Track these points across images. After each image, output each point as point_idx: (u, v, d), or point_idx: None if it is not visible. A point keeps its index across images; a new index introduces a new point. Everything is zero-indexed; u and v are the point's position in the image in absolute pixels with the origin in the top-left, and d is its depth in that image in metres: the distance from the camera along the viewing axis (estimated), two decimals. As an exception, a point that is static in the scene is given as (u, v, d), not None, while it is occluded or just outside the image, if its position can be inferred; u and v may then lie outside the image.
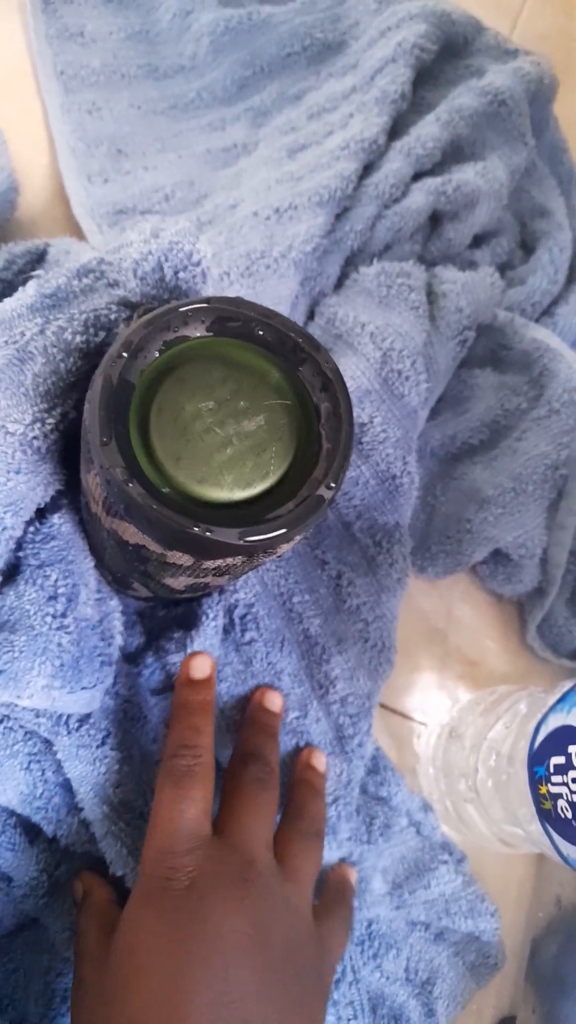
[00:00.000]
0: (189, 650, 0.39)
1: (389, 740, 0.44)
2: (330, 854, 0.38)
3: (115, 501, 0.23)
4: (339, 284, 0.44)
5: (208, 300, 0.24)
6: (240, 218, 0.42)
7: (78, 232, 0.47)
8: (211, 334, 0.25)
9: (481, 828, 0.40)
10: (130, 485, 0.22)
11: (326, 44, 0.51)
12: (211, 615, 0.40)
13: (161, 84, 0.53)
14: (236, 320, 0.25)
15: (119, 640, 0.35)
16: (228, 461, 0.24)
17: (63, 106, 0.50)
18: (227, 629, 0.41)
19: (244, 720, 0.38)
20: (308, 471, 0.24)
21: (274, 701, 0.38)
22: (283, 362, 0.25)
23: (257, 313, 0.25)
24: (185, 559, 0.25)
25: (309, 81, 0.51)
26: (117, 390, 0.23)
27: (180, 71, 0.53)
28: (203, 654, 0.37)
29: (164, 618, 0.41)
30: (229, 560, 0.24)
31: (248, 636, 0.40)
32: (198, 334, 0.25)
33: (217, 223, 0.43)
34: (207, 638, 0.39)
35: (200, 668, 0.36)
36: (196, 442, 0.24)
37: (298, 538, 0.24)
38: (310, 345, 0.25)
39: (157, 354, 0.24)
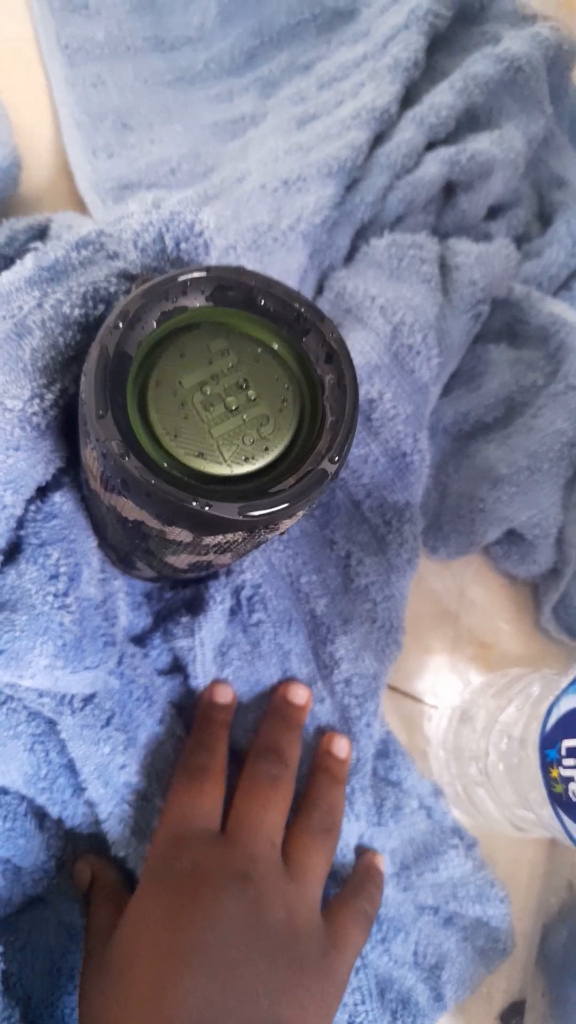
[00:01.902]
0: (197, 635, 0.38)
1: (400, 723, 0.43)
2: (349, 827, 0.38)
3: (112, 476, 0.23)
4: (349, 257, 0.42)
5: (208, 269, 0.24)
6: (247, 191, 0.41)
7: (82, 207, 0.46)
8: (211, 304, 0.24)
9: (492, 812, 0.39)
10: (127, 459, 0.21)
11: (337, 11, 0.50)
12: (218, 599, 0.39)
13: (167, 56, 0.51)
14: (237, 290, 0.24)
15: (123, 621, 0.35)
16: (228, 435, 0.23)
17: (67, 79, 0.49)
18: (234, 610, 0.41)
19: (266, 712, 0.38)
20: (311, 445, 0.23)
21: (299, 694, 0.38)
22: (286, 333, 0.24)
23: (259, 282, 0.24)
24: (185, 535, 0.24)
25: (319, 50, 0.50)
26: (114, 362, 0.22)
27: (187, 42, 0.52)
28: (226, 683, 0.38)
29: (171, 600, 0.41)
30: (230, 536, 0.24)
31: (255, 617, 0.40)
32: (197, 304, 0.24)
33: (224, 196, 0.42)
34: (214, 622, 0.39)
35: (223, 695, 0.38)
36: (195, 416, 0.23)
37: (300, 513, 0.24)
38: (314, 315, 0.24)
39: (155, 325, 0.23)
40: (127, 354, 0.23)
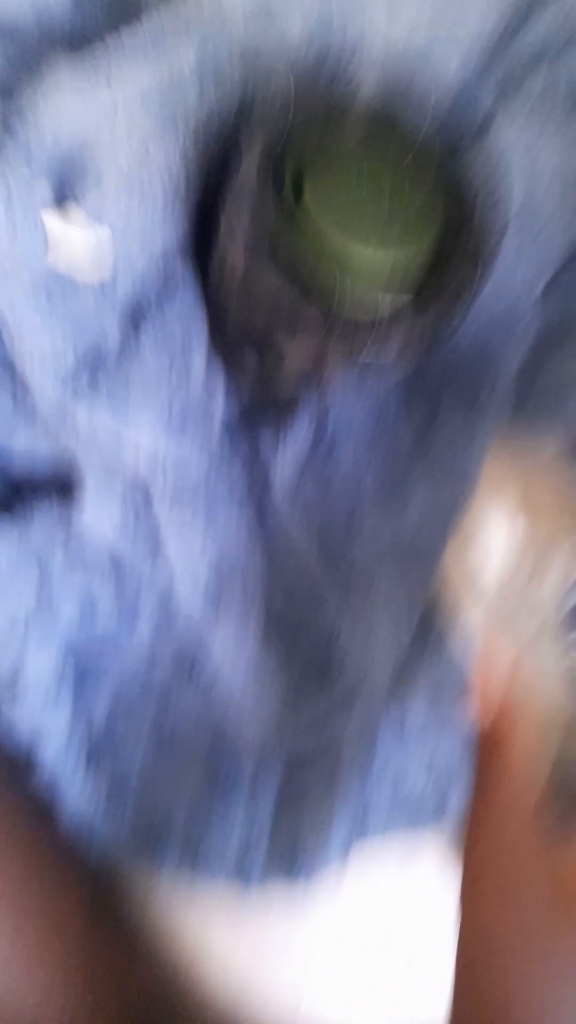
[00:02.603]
0: (281, 446, 0.40)
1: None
2: (389, 643, 0.40)
3: (262, 238, 0.23)
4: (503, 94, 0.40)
5: (380, 91, 0.23)
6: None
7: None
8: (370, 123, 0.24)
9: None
10: (283, 226, 0.22)
11: None
12: (307, 418, 0.41)
13: None
14: (402, 109, 0.24)
15: (220, 405, 0.37)
16: (377, 221, 0.23)
17: None
18: (318, 431, 0.42)
19: None
20: (455, 250, 0.24)
21: None
22: (450, 141, 0.24)
23: (425, 104, 0.24)
24: (318, 312, 0.25)
25: None
26: (277, 117, 0.23)
27: None
28: None
29: (260, 412, 0.42)
30: (361, 318, 0.24)
31: (339, 445, 0.41)
32: (366, 97, 0.24)
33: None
34: (300, 440, 0.40)
35: None
36: (348, 196, 0.23)
37: (433, 318, 0.24)
38: (473, 139, 0.24)
39: (320, 121, 0.24)
40: (291, 133, 0.23)
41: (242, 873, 0.40)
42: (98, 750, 0.40)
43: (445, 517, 0.41)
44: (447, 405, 0.41)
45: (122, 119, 0.28)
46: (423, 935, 0.42)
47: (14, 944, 0.31)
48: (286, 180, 0.23)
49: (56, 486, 0.39)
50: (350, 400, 0.42)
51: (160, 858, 0.40)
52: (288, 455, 0.40)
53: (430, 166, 0.24)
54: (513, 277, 0.38)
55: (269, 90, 0.27)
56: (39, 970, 0.31)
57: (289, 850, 0.41)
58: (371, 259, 0.24)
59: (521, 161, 0.37)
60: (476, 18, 0.37)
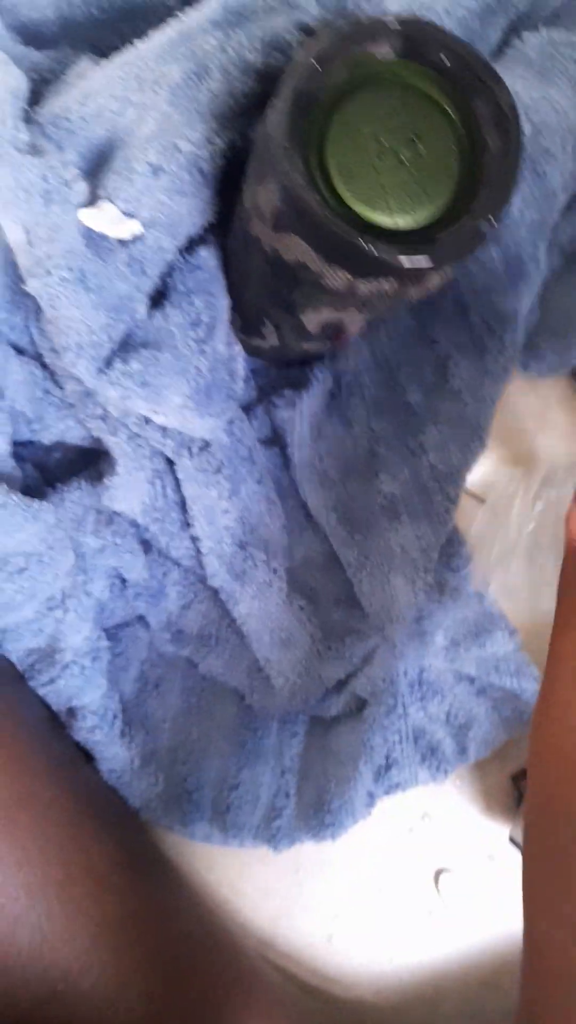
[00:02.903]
0: (298, 407, 0.42)
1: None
2: (408, 600, 0.43)
3: (288, 209, 0.25)
4: (499, 52, 0.42)
5: (402, 22, 0.25)
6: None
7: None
8: (395, 57, 0.26)
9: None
10: (307, 192, 0.24)
11: None
12: (320, 378, 0.43)
13: None
14: (423, 44, 0.25)
15: (241, 381, 0.38)
16: (396, 185, 0.25)
17: None
18: (333, 393, 0.44)
19: None
20: (469, 206, 0.26)
21: None
22: (460, 93, 0.26)
23: (446, 39, 0.25)
24: (341, 279, 0.27)
25: None
26: (302, 101, 0.24)
27: None
28: None
29: (276, 378, 0.44)
30: (383, 285, 0.26)
31: (352, 401, 0.43)
32: (382, 55, 0.25)
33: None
34: (314, 398, 0.42)
35: None
36: (369, 163, 0.25)
37: (450, 269, 0.26)
38: (491, 78, 0.25)
39: (345, 72, 0.25)
40: (315, 96, 0.25)
41: (270, 837, 0.42)
42: (130, 723, 0.42)
43: (458, 462, 0.43)
44: (458, 355, 0.43)
45: (151, 117, 0.29)
46: (450, 870, 0.45)
47: (60, 898, 0.32)
48: (309, 152, 0.25)
49: (85, 469, 0.40)
50: (362, 359, 0.44)
51: (191, 825, 0.42)
52: (304, 416, 0.42)
53: (447, 116, 0.26)
54: (522, 220, 0.39)
55: (290, 64, 0.29)
56: (84, 924, 0.32)
57: (315, 811, 0.42)
58: (392, 226, 0.25)
59: (525, 108, 0.39)
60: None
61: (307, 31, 0.29)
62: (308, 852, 0.44)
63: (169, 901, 0.39)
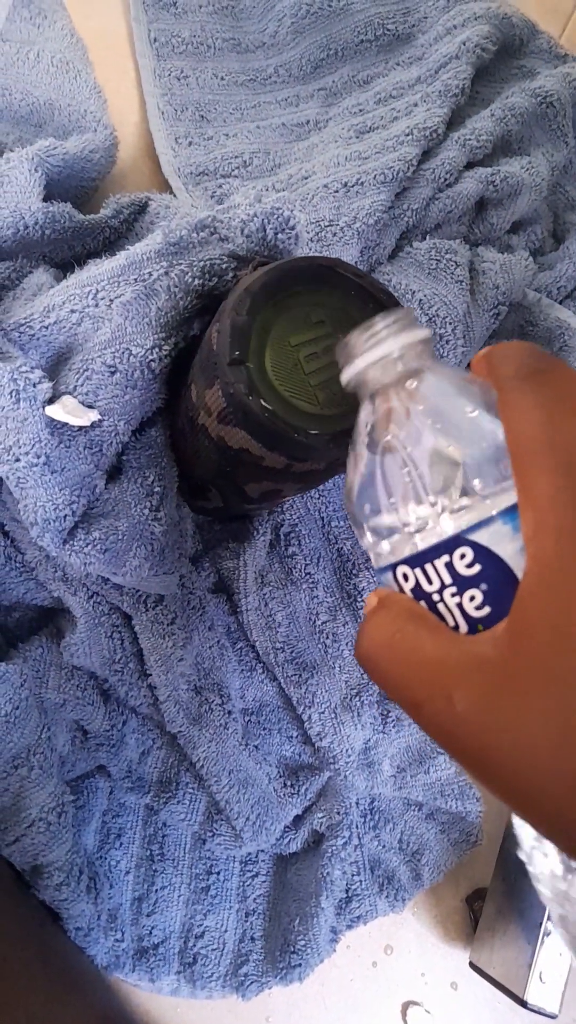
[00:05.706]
0: (241, 557, 0.46)
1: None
2: (355, 734, 0.45)
3: (234, 411, 0.30)
4: (393, 255, 0.50)
5: (312, 259, 0.31)
6: (312, 189, 0.48)
7: (162, 187, 0.53)
8: (313, 286, 0.31)
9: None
10: (250, 398, 0.29)
11: (396, 35, 0.57)
12: (261, 530, 0.47)
13: (243, 57, 0.58)
14: (334, 276, 0.31)
15: (190, 539, 0.42)
16: (323, 384, 0.30)
17: (155, 71, 0.55)
18: (273, 544, 0.48)
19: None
20: None
21: None
22: (370, 308, 0.32)
23: (353, 273, 0.31)
24: (279, 461, 0.31)
25: (378, 68, 0.57)
26: (239, 327, 0.30)
27: (261, 47, 0.58)
28: None
29: (219, 532, 0.48)
30: (316, 464, 0.31)
31: (291, 550, 0.47)
32: (300, 286, 0.31)
33: (290, 192, 0.49)
34: (256, 549, 0.46)
35: None
36: (299, 367, 0.30)
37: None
38: (390, 300, 0.31)
39: (271, 305, 0.31)
40: (248, 325, 0.30)
41: (239, 984, 0.43)
42: (94, 877, 0.42)
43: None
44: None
45: (106, 327, 0.34)
46: (418, 1003, 0.46)
47: None
48: (250, 362, 0.30)
49: (44, 627, 0.43)
50: (298, 513, 0.48)
51: (159, 980, 0.42)
52: (248, 566, 0.46)
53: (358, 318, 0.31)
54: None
55: (225, 286, 0.35)
56: None
57: (281, 953, 0.43)
58: (324, 419, 0.30)
59: (419, 302, 0.46)
60: (368, 206, 0.47)
61: (237, 259, 0.35)
62: (277, 996, 0.44)
63: None
